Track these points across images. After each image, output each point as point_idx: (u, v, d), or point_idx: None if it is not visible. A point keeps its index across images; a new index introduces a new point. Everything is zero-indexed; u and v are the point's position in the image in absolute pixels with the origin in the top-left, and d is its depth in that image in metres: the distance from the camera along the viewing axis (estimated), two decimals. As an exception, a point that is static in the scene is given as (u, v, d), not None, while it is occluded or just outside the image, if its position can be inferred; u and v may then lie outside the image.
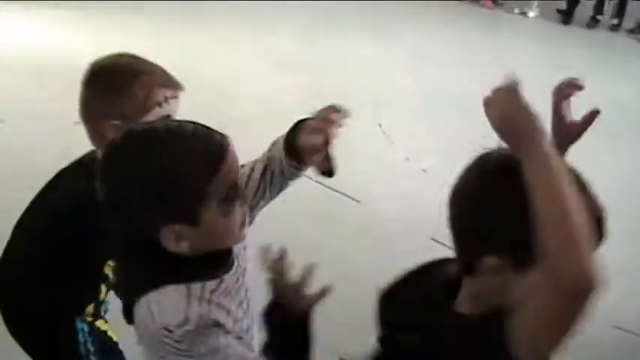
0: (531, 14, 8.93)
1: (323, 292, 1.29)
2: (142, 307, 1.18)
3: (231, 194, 1.19)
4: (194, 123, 1.21)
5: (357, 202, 4.11)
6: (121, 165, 1.17)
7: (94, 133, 1.65)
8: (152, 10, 7.32)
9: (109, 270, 1.63)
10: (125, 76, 1.63)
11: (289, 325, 1.27)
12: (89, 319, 1.67)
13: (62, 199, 1.68)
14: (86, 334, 1.66)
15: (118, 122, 1.58)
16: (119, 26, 6.81)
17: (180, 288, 1.17)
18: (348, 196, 4.06)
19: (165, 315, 1.14)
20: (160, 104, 1.63)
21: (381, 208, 4.15)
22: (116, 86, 1.62)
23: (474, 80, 6.32)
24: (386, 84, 6.07)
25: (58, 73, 5.35)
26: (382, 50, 6.91)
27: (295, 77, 5.95)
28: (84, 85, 1.66)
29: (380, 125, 5.21)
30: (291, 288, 1.28)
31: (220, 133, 1.20)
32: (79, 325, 1.66)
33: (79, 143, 1.73)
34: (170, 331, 1.12)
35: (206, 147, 1.17)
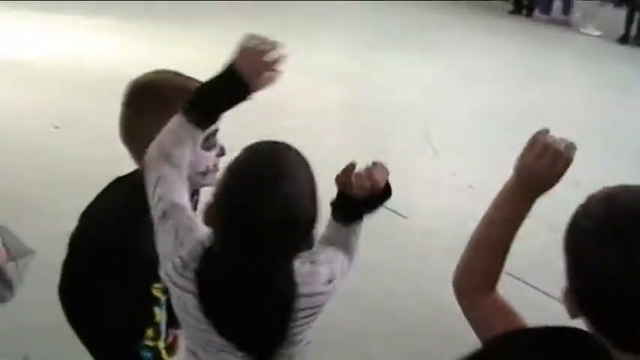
0: (590, 32, 8.80)
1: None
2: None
3: None
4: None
5: (404, 217, 4.08)
6: None
7: (136, 154, 1.57)
8: (207, 25, 7.45)
9: (157, 292, 1.54)
10: (165, 94, 1.54)
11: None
12: (151, 343, 1.60)
13: (103, 214, 1.60)
14: None
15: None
16: (175, 39, 6.96)
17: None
18: (395, 211, 4.04)
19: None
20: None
21: (427, 224, 4.12)
22: (156, 105, 1.52)
23: (524, 97, 6.34)
24: (435, 99, 6.04)
25: (110, 83, 5.49)
26: (433, 65, 6.90)
27: (344, 91, 5.97)
28: (123, 105, 1.58)
29: (427, 140, 5.19)
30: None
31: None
32: (144, 354, 1.57)
33: (127, 154, 1.72)
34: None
35: None
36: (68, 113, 5.06)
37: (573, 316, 1.02)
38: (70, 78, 5.75)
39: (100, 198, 1.64)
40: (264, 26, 7.28)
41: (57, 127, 4.80)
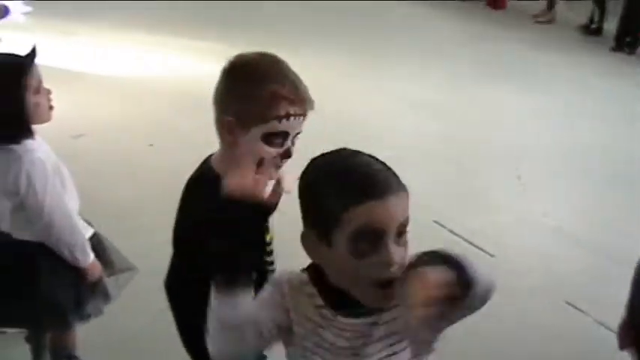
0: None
1: None
2: None
3: (364, 239, 1.16)
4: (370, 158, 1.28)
5: (491, 255, 4.00)
6: None
7: (216, 122, 1.64)
8: (305, 51, 7.58)
9: None
10: (255, 78, 1.58)
11: None
12: None
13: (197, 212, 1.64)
14: None
15: (231, 119, 1.58)
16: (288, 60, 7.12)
17: None
18: (481, 249, 3.96)
19: None
20: (279, 119, 1.56)
21: (514, 264, 4.02)
22: (243, 85, 1.58)
23: (621, 138, 6.11)
24: (529, 134, 5.91)
25: (205, 102, 5.68)
26: (529, 99, 6.76)
27: (436, 122, 5.94)
28: (222, 72, 1.64)
29: (519, 177, 5.08)
30: None
31: (385, 181, 1.21)
32: None
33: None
34: None
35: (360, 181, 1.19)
36: (163, 130, 5.27)
37: (622, 347, 1.01)
38: (164, 95, 5.99)
39: (191, 196, 1.70)
40: (358, 56, 7.35)
41: (151, 145, 4.98)
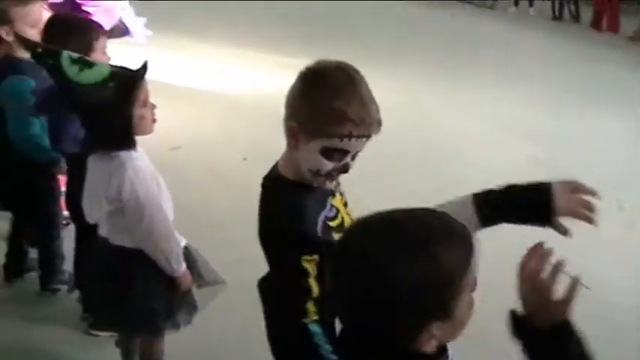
0: None
1: (573, 288, 1.25)
2: None
3: (473, 283, 1.17)
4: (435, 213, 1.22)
5: (587, 288, 3.82)
6: (386, 261, 1.11)
7: (284, 123, 1.63)
8: (390, 65, 7.57)
9: (306, 264, 1.58)
10: (326, 90, 1.55)
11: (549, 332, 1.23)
12: (315, 317, 1.61)
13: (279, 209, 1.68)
14: (319, 336, 1.60)
15: (296, 125, 1.58)
16: (378, 81, 7.11)
17: None
18: (581, 283, 3.79)
19: None
20: (341, 137, 1.54)
21: (613, 298, 3.82)
22: (313, 95, 1.57)
23: None
24: (631, 162, 5.66)
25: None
26: (629, 124, 6.49)
27: (532, 146, 5.77)
28: (298, 76, 1.62)
29: (621, 207, 4.85)
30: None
31: (463, 226, 1.19)
32: (312, 328, 1.61)
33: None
34: None
35: (462, 243, 1.16)
36: (256, 144, 5.33)
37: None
38: (258, 110, 6.06)
39: (262, 196, 1.75)
40: (444, 71, 7.25)
41: (245, 159, 5.06)
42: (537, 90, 7.25)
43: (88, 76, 2.17)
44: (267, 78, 7.03)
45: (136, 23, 5.49)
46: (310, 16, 10.48)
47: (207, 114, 6.10)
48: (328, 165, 1.59)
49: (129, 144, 2.26)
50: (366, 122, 1.55)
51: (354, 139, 1.55)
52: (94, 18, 3.71)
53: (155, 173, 2.36)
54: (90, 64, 2.20)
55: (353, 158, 1.62)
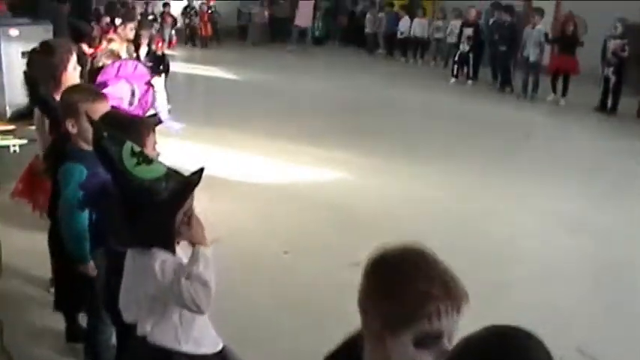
0: None
1: None
2: None
3: None
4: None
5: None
6: None
7: (364, 328, 1.54)
8: (456, 166, 7.56)
9: None
10: (402, 279, 1.48)
11: None
12: None
13: None
14: None
15: (378, 324, 1.48)
16: (420, 175, 7.14)
17: None
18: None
19: None
20: (429, 318, 1.44)
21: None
22: (388, 287, 1.48)
23: None
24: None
25: (340, 212, 5.74)
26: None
27: (581, 240, 5.63)
28: (364, 272, 1.54)
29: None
30: None
31: None
32: None
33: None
34: None
35: None
36: (297, 238, 5.31)
37: None
38: (293, 202, 6.12)
39: None
40: (496, 167, 7.16)
41: (286, 253, 5.03)
42: (584, 182, 7.16)
43: (144, 171, 2.21)
44: (306, 170, 7.09)
45: (166, 113, 5.64)
46: (353, 108, 10.67)
47: (247, 206, 6.13)
48: (426, 356, 1.47)
49: (168, 245, 2.26)
50: (452, 295, 1.47)
51: (444, 317, 1.45)
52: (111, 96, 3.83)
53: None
54: (149, 161, 2.25)
55: (449, 340, 1.47)
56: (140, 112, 4.10)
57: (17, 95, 4.91)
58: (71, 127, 3.00)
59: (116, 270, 2.48)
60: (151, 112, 4.89)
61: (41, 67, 3.71)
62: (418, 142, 8.55)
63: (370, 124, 9.52)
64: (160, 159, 3.84)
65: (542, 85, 11.37)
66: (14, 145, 6.95)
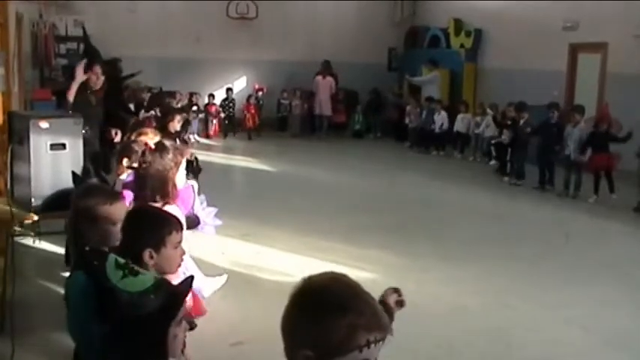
0: None
1: None
2: None
3: None
4: None
5: None
6: None
7: (288, 353, 1.58)
8: (478, 269, 7.30)
9: None
10: (331, 308, 1.54)
11: None
12: None
13: None
14: None
15: (310, 353, 1.52)
16: (454, 280, 6.91)
17: None
18: None
19: None
20: (360, 349, 1.52)
21: None
22: (316, 316, 1.54)
23: None
24: None
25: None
26: None
27: (618, 353, 5.32)
28: (291, 298, 1.61)
29: None
30: None
31: None
32: None
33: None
34: None
35: None
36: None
37: None
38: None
39: None
40: (530, 271, 6.81)
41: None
42: (625, 288, 6.78)
43: (131, 284, 2.12)
44: (338, 269, 6.85)
45: (207, 215, 5.55)
46: (389, 204, 10.51)
47: (274, 306, 5.89)
48: None
49: None
50: (381, 326, 1.56)
51: (372, 346, 1.54)
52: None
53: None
54: (135, 272, 2.16)
55: None
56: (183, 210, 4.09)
57: (43, 187, 4.88)
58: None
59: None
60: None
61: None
62: (454, 243, 8.31)
63: (405, 221, 9.34)
64: (186, 256, 3.75)
65: (585, 184, 11.08)
66: (35, 235, 6.97)
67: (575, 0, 14.11)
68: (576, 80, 14.61)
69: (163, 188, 3.95)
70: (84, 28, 14.50)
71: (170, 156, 4.06)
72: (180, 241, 2.82)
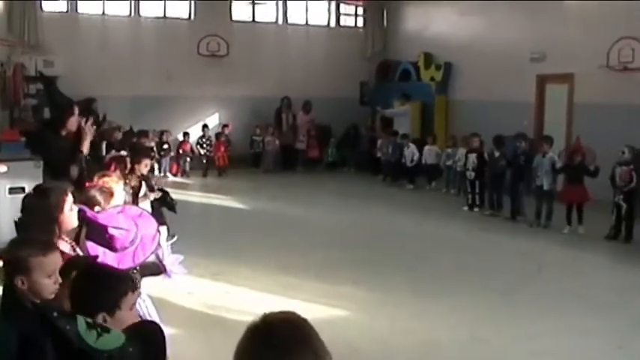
0: None
1: None
2: None
3: None
4: None
5: None
6: None
7: None
8: (451, 302, 7.23)
9: None
10: (275, 350, 1.58)
11: None
12: None
13: None
14: None
15: None
16: (428, 313, 6.84)
17: None
18: None
19: None
20: None
21: None
22: (267, 352, 1.59)
23: None
24: None
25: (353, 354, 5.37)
26: None
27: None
28: (246, 332, 1.66)
29: None
30: None
31: None
32: None
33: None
34: None
35: None
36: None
37: None
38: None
39: None
40: (505, 304, 6.74)
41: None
42: (599, 320, 6.75)
43: (108, 342, 2.07)
44: (309, 307, 6.77)
45: (173, 263, 5.41)
46: (362, 239, 10.44)
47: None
48: None
49: None
50: None
51: None
52: (119, 242, 3.65)
53: None
54: (106, 329, 2.12)
55: None
56: (140, 255, 3.90)
57: (1, 232, 4.75)
58: (21, 285, 2.80)
59: None
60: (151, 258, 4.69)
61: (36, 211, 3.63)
62: (427, 276, 8.26)
63: (379, 255, 9.28)
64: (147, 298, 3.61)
65: (557, 214, 11.11)
66: None
67: (542, 31, 14.36)
68: (545, 110, 14.79)
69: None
70: (47, 80, 14.33)
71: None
72: (134, 303, 2.68)
